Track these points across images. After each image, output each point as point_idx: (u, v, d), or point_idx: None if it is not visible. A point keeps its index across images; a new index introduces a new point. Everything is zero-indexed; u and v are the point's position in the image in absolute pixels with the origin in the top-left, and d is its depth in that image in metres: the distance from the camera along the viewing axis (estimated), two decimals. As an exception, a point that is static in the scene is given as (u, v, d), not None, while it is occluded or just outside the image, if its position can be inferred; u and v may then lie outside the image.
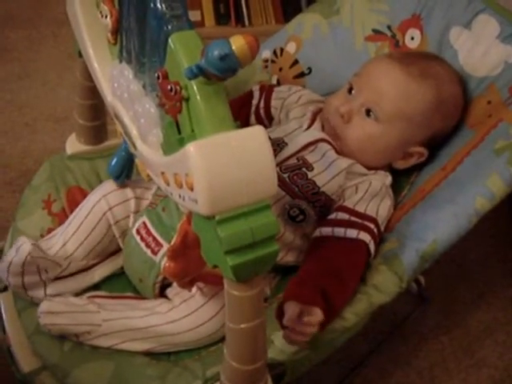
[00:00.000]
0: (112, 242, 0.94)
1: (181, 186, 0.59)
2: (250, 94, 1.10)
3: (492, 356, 1.12)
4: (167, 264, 0.73)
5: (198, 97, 0.57)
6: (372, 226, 0.88)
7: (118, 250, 0.95)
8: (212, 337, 0.85)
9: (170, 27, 0.60)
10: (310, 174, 0.92)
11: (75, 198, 1.00)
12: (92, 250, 0.92)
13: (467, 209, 0.85)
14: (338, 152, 0.95)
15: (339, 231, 0.87)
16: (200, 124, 0.58)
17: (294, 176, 0.91)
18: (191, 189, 0.57)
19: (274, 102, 1.07)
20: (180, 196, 0.60)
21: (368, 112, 0.93)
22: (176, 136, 0.61)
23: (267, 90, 1.08)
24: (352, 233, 0.87)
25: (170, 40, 0.59)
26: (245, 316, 0.64)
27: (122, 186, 0.95)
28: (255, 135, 0.57)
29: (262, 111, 1.07)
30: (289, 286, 0.81)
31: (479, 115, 0.95)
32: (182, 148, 0.57)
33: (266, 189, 0.58)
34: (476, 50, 0.97)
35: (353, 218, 0.88)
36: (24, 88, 1.66)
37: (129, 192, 0.94)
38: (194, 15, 1.74)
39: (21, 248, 0.84)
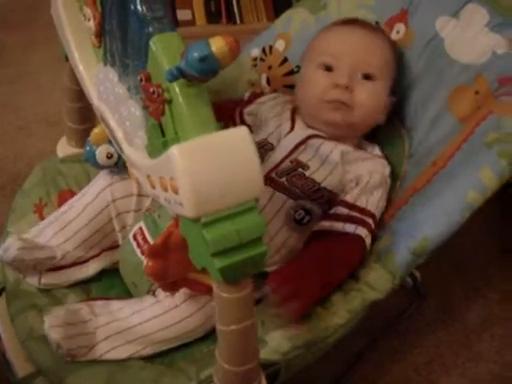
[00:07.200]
0: (109, 236, 0.94)
1: (166, 190, 0.59)
2: (240, 102, 1.10)
3: (490, 350, 1.11)
4: (145, 262, 0.73)
5: (180, 99, 0.57)
6: (370, 221, 0.89)
7: (113, 246, 0.95)
8: (196, 331, 0.85)
9: (151, 29, 0.60)
10: (307, 173, 0.92)
11: (66, 201, 0.99)
12: (92, 235, 0.92)
13: (459, 203, 0.84)
14: (329, 139, 0.96)
15: (338, 225, 0.88)
16: (183, 126, 0.58)
17: (291, 178, 0.91)
18: (176, 192, 0.56)
19: (250, 108, 1.07)
20: (166, 199, 0.60)
21: (365, 76, 0.95)
22: (160, 139, 0.61)
23: (247, 100, 1.09)
24: (350, 227, 0.88)
25: (151, 42, 0.59)
26: (234, 318, 0.63)
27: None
28: (238, 135, 0.57)
29: (237, 119, 1.07)
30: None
31: (468, 106, 0.94)
32: (165, 151, 0.57)
33: (251, 189, 0.58)
34: (463, 36, 0.97)
35: (352, 213, 0.89)
36: (17, 91, 1.66)
37: (134, 186, 0.94)
38: (185, 14, 1.73)
39: (7, 252, 0.86)
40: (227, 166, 0.56)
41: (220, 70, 0.54)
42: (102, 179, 0.94)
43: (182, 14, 1.74)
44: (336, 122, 0.96)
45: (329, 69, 0.97)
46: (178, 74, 0.54)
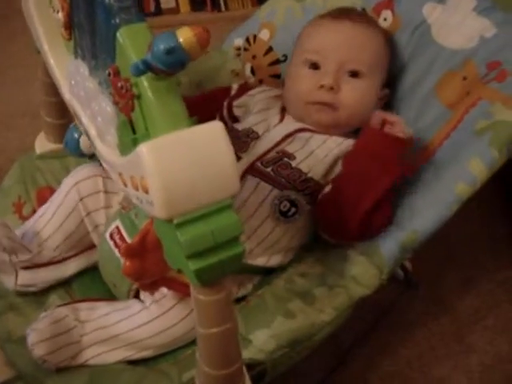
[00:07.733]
0: (87, 236, 0.92)
1: (137, 189, 0.56)
2: (227, 91, 1.07)
3: (481, 341, 1.09)
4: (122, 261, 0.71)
5: (149, 94, 0.54)
6: None
7: (92, 246, 0.93)
8: (185, 338, 0.83)
9: (117, 20, 0.57)
10: (293, 163, 0.89)
11: (45, 197, 0.97)
12: (66, 239, 0.90)
13: (447, 196, 0.82)
14: (319, 132, 0.93)
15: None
16: (153, 122, 0.55)
17: (277, 168, 0.89)
18: (146, 191, 0.54)
19: (239, 101, 1.04)
20: (138, 198, 0.58)
21: (352, 73, 0.93)
22: (130, 136, 0.58)
23: (236, 93, 1.06)
24: None
25: (118, 34, 0.56)
26: (213, 321, 0.61)
27: (95, 174, 0.92)
28: (212, 131, 0.54)
29: (224, 111, 1.04)
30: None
31: (455, 92, 0.91)
32: (135, 149, 0.54)
33: (226, 188, 0.55)
34: (450, 21, 0.94)
35: None
36: (-2, 84, 1.62)
37: (100, 183, 0.92)
38: (169, 2, 1.71)
39: None
40: (200, 164, 0.53)
41: (189, 62, 0.51)
42: (68, 180, 0.92)
43: (166, 2, 1.70)
44: (321, 122, 0.94)
45: (315, 66, 0.94)
46: (145, 68, 0.51)
